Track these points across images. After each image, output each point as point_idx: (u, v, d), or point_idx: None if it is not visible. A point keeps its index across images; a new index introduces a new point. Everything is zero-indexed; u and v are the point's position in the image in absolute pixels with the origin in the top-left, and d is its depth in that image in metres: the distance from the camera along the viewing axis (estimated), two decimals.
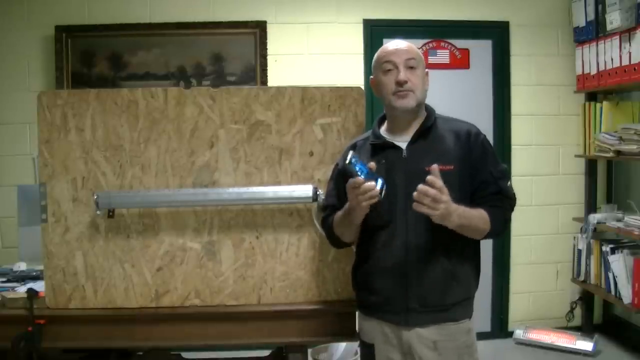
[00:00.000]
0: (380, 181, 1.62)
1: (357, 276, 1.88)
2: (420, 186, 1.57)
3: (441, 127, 1.80)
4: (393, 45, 1.79)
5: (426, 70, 1.81)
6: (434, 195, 1.56)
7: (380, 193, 1.61)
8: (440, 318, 1.74)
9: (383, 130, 1.85)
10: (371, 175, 1.61)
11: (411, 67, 1.75)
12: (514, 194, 1.82)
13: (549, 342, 3.66)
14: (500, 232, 1.83)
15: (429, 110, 1.83)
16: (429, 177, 1.58)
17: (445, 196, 1.59)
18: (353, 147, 1.87)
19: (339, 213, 1.79)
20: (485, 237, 1.78)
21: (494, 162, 1.79)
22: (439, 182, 1.58)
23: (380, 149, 1.79)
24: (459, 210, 1.64)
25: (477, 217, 1.71)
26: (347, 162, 1.58)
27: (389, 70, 1.76)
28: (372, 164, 1.64)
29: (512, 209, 1.82)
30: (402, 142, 1.78)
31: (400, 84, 1.73)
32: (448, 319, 1.75)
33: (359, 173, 1.59)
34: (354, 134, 2.04)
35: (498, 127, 3.85)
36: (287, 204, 2.05)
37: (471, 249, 1.81)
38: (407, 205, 1.65)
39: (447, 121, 1.83)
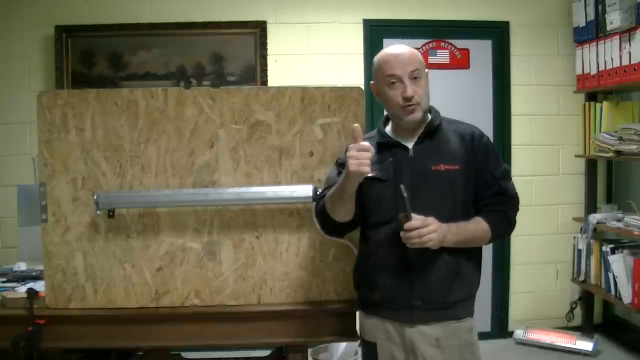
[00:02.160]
0: None
1: (359, 274, 1.88)
2: (402, 233, 1.65)
3: (446, 129, 1.82)
4: (394, 54, 1.75)
5: (426, 70, 1.80)
6: (418, 230, 1.62)
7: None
8: (443, 316, 1.75)
9: (388, 129, 1.86)
10: None
11: (415, 78, 1.74)
12: (516, 193, 1.83)
13: (549, 342, 3.66)
14: (505, 235, 1.87)
15: (434, 112, 1.84)
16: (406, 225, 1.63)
17: (433, 225, 1.64)
18: None
19: (332, 189, 1.76)
20: (490, 243, 1.81)
21: (495, 163, 1.81)
22: (416, 221, 1.63)
23: (387, 147, 1.80)
24: (451, 228, 1.68)
25: (474, 229, 1.74)
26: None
27: (393, 83, 1.74)
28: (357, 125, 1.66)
29: (515, 209, 1.83)
30: (409, 141, 1.80)
31: (407, 99, 1.73)
32: (451, 316, 1.76)
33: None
34: None
35: (498, 127, 3.85)
36: (287, 204, 2.05)
37: (474, 247, 1.81)
38: (412, 203, 1.66)
39: (451, 123, 1.85)
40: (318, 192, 1.98)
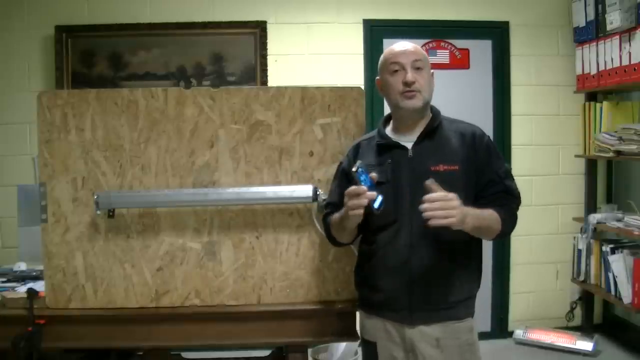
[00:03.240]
0: (379, 198, 1.61)
1: (360, 274, 1.88)
2: (426, 197, 1.57)
3: (446, 128, 1.81)
4: (399, 46, 1.80)
5: (432, 71, 1.82)
6: (442, 202, 1.56)
7: (378, 209, 1.61)
8: (443, 316, 1.75)
9: (388, 130, 1.87)
10: (372, 189, 1.61)
11: (418, 68, 1.76)
12: (519, 193, 1.83)
13: (549, 342, 3.66)
14: (510, 230, 1.84)
15: (435, 112, 1.84)
16: (429, 190, 1.58)
17: (455, 200, 1.58)
18: (357, 146, 1.88)
19: (336, 215, 1.80)
20: (497, 237, 1.79)
21: (498, 163, 1.80)
22: (440, 190, 1.58)
23: (386, 148, 1.80)
24: (470, 211, 1.64)
25: (489, 217, 1.72)
26: (354, 169, 1.59)
27: (396, 71, 1.77)
28: (374, 175, 1.63)
29: (518, 207, 1.83)
30: (408, 142, 1.79)
31: (407, 84, 1.74)
32: (451, 317, 1.76)
33: (362, 184, 1.60)
34: (354, 134, 2.04)
35: (498, 127, 3.85)
36: (287, 204, 2.05)
37: (474, 248, 1.82)
38: (412, 204, 1.66)
39: (452, 122, 1.85)
40: (318, 193, 1.98)
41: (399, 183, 1.72)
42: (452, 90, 3.71)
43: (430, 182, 1.59)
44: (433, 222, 1.56)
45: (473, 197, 1.77)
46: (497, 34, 3.85)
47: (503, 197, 1.78)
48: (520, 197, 1.83)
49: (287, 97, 2.06)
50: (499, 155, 1.83)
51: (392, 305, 1.77)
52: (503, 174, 1.79)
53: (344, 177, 1.85)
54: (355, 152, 1.86)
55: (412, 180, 1.72)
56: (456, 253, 1.75)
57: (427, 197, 1.56)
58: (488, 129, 3.69)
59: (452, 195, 1.58)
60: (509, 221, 1.77)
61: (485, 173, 1.77)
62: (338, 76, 3.65)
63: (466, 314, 1.79)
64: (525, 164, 3.85)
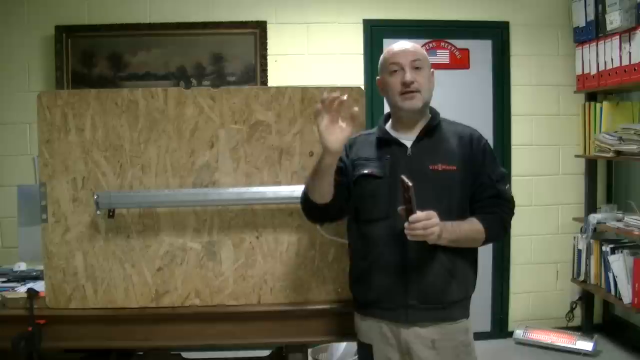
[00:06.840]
0: None
1: (354, 273, 1.87)
2: (412, 217, 1.61)
3: (445, 129, 1.82)
4: (399, 46, 1.80)
5: (432, 70, 1.82)
6: (425, 222, 1.61)
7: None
8: (439, 316, 1.75)
9: (388, 127, 1.87)
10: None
11: (417, 68, 1.76)
12: (512, 197, 1.84)
13: (549, 342, 3.66)
14: (499, 238, 1.87)
15: (434, 112, 1.85)
16: (412, 217, 1.62)
17: (435, 219, 1.63)
18: (354, 139, 1.85)
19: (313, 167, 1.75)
20: (484, 244, 1.81)
21: (492, 166, 1.81)
22: (422, 214, 1.62)
23: (385, 143, 1.81)
24: (446, 226, 1.67)
25: (468, 229, 1.74)
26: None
27: (395, 71, 1.77)
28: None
29: (511, 212, 1.84)
30: (407, 140, 1.80)
31: (406, 84, 1.74)
32: (447, 317, 1.76)
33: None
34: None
35: (498, 127, 3.85)
36: (287, 204, 2.05)
37: (470, 249, 1.81)
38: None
39: (450, 124, 1.85)
40: None
41: (396, 179, 1.72)
42: (452, 90, 3.71)
43: (400, 210, 1.64)
44: (411, 238, 1.64)
45: (468, 199, 1.79)
46: (497, 34, 3.85)
47: (494, 203, 1.78)
48: (513, 201, 1.84)
49: (287, 97, 2.06)
50: (495, 159, 1.84)
51: (387, 303, 1.77)
52: (496, 177, 1.80)
53: (338, 168, 1.82)
54: (352, 143, 1.84)
55: (410, 178, 1.72)
56: (451, 253, 1.74)
57: (412, 217, 1.61)
58: (488, 129, 3.71)
59: (433, 213, 1.64)
60: (496, 230, 1.79)
61: (479, 176, 1.78)
62: (338, 76, 3.65)
63: (461, 315, 1.79)
64: (525, 164, 3.85)
